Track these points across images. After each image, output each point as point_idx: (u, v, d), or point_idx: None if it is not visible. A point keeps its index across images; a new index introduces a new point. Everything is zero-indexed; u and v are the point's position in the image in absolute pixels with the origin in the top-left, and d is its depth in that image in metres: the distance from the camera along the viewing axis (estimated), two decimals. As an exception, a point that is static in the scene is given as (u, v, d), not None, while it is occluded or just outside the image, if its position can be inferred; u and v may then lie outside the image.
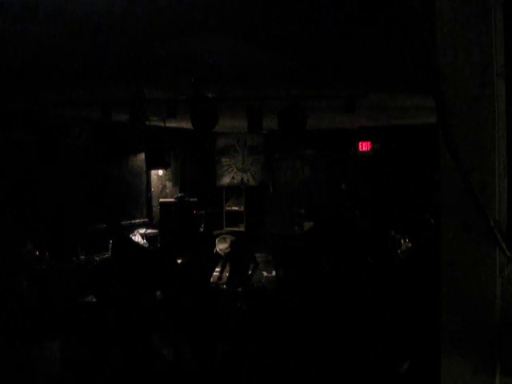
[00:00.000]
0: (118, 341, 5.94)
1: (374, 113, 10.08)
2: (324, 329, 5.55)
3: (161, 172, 13.09)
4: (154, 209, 12.82)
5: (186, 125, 8.25)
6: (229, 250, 10.63)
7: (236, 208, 14.91)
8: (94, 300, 6.83)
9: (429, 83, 1.89)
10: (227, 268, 9.07)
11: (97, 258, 9.82)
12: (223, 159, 14.84)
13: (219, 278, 9.21)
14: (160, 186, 13.28)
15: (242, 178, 14.76)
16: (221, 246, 13.16)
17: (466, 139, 1.80)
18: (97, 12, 3.88)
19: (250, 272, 8.91)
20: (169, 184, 13.57)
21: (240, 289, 8.18)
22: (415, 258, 7.05)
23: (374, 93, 7.64)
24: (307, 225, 12.00)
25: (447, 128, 1.81)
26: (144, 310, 6.42)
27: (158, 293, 7.19)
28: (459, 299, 1.84)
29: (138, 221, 12.28)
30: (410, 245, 9.17)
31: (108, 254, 9.85)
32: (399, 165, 12.56)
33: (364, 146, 13.57)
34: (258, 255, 10.01)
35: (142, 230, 11.79)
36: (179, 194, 12.90)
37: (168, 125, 10.13)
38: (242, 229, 14.08)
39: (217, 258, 9.45)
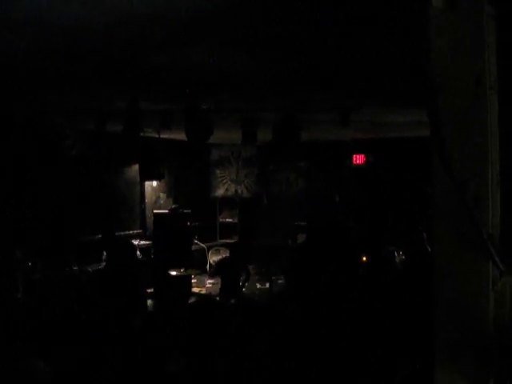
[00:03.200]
0: (115, 345, 5.91)
1: (369, 126, 10.12)
2: (321, 337, 5.53)
3: (155, 183, 13.07)
4: (147, 220, 12.78)
5: (181, 136, 8.25)
6: (221, 261, 10.61)
7: (230, 219, 14.88)
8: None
9: (423, 95, 1.90)
10: (219, 279, 9.05)
11: (90, 269, 9.76)
12: (217, 171, 14.84)
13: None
14: (154, 197, 13.25)
15: (236, 190, 14.75)
16: (214, 258, 13.13)
17: (460, 151, 1.81)
18: (92, 22, 3.89)
19: (241, 283, 8.89)
20: (163, 195, 13.54)
21: (233, 300, 8.16)
22: (409, 269, 7.05)
23: (368, 106, 7.68)
24: (301, 236, 11.99)
25: (441, 140, 1.81)
26: (138, 320, 6.39)
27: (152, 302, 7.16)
28: (453, 311, 1.83)
29: (131, 232, 12.24)
30: (403, 257, 9.19)
31: (101, 265, 9.80)
32: (393, 177, 12.58)
33: (358, 159, 13.59)
34: (250, 267, 10.00)
35: (136, 241, 11.74)
36: (173, 206, 12.86)
37: (162, 136, 10.13)
38: (235, 240, 14.05)
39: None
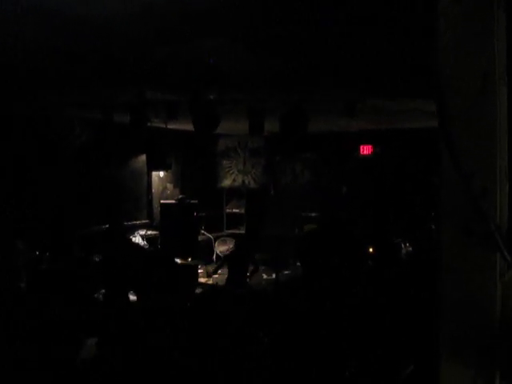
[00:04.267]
0: (118, 341, 5.93)
1: (376, 116, 10.07)
2: (325, 331, 5.53)
3: (162, 173, 13.09)
4: (154, 210, 12.82)
5: (188, 126, 8.24)
6: (228, 251, 10.63)
7: (237, 210, 14.89)
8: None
9: (430, 87, 1.88)
10: (226, 270, 9.07)
11: (96, 259, 9.80)
12: (224, 161, 14.83)
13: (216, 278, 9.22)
14: (161, 188, 13.27)
15: (243, 180, 14.74)
16: (221, 248, 13.15)
17: (467, 144, 1.79)
18: (99, 15, 3.88)
19: (249, 274, 8.91)
20: (170, 185, 13.56)
21: (239, 291, 8.17)
22: (415, 261, 7.03)
23: (374, 97, 7.64)
24: (307, 227, 11.99)
25: (448, 132, 1.80)
26: (141, 311, 6.41)
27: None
28: (458, 305, 1.82)
29: (138, 222, 12.28)
30: (410, 249, 9.17)
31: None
32: (401, 168, 12.53)
33: (365, 150, 13.55)
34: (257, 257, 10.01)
35: (143, 232, 11.79)
36: (180, 196, 12.89)
37: (169, 126, 10.13)
38: (242, 231, 14.06)
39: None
